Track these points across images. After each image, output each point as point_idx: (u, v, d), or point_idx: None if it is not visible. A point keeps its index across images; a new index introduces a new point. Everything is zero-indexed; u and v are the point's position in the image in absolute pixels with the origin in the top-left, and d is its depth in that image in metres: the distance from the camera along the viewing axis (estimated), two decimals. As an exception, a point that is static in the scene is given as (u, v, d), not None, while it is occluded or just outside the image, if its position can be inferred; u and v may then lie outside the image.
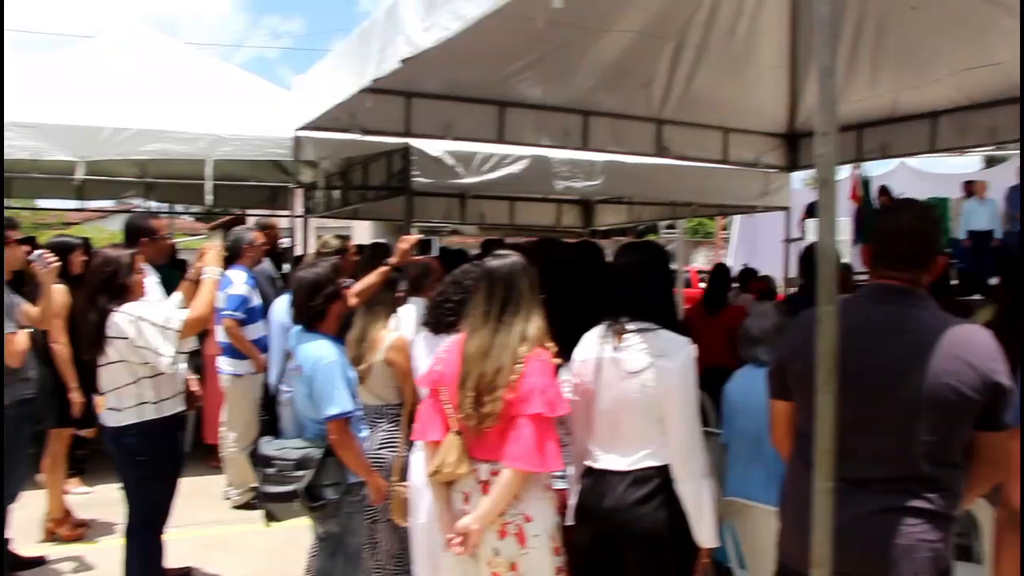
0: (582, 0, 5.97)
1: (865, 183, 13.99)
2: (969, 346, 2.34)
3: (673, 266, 12.94)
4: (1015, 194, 12.81)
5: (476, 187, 8.29)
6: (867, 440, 2.26)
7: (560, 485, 3.40)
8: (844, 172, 14.62)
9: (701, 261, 22.11)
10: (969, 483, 2.47)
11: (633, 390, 3.02)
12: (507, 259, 3.24)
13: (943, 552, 2.37)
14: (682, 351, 3.03)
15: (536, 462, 2.93)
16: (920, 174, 16.59)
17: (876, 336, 2.26)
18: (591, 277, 3.95)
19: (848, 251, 12.06)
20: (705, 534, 3.04)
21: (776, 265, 10.37)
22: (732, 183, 9.35)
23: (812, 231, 11.62)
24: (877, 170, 15.61)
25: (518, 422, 2.96)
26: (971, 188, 13.62)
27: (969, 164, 18.46)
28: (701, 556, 3.11)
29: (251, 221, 10.92)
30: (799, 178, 15.07)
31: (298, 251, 11.24)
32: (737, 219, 16.18)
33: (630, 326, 3.09)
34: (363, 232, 22.85)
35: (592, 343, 3.19)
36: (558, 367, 3.21)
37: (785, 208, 10.00)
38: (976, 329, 2.42)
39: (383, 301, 4.50)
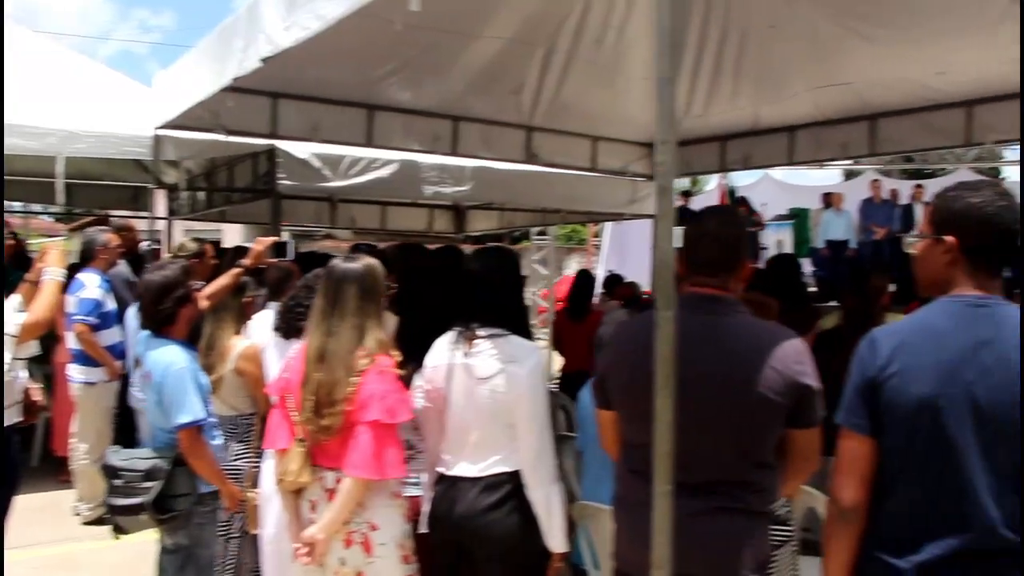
0: (450, 4, 5.97)
1: (731, 193, 14.44)
2: (775, 351, 2.41)
3: (544, 272, 13.01)
4: (868, 206, 13.46)
5: (344, 191, 8.20)
6: (686, 446, 2.30)
7: (414, 492, 3.38)
8: (712, 182, 15.04)
9: (575, 268, 22.38)
10: (785, 478, 2.58)
11: (483, 396, 3.01)
12: (351, 263, 3.17)
13: (762, 549, 2.48)
14: (531, 357, 3.03)
15: (374, 470, 2.89)
16: (783, 185, 17.23)
17: (691, 346, 2.29)
18: (454, 283, 3.93)
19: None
20: (556, 539, 3.06)
21: (645, 272, 10.56)
22: (601, 190, 9.47)
23: (678, 239, 11.93)
24: (742, 181, 16.16)
25: (357, 429, 2.91)
26: (829, 200, 14.22)
27: (829, 177, 19.28)
28: (553, 561, 3.12)
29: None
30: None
31: (165, 255, 10.86)
32: (608, 226, 16.45)
33: (481, 332, 3.08)
34: (234, 235, 22.27)
35: (443, 349, 3.17)
36: (411, 374, 3.18)
37: (652, 216, 10.16)
38: (783, 334, 2.50)
39: (230, 306, 4.36)
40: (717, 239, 2.53)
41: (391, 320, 3.61)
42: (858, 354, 2.20)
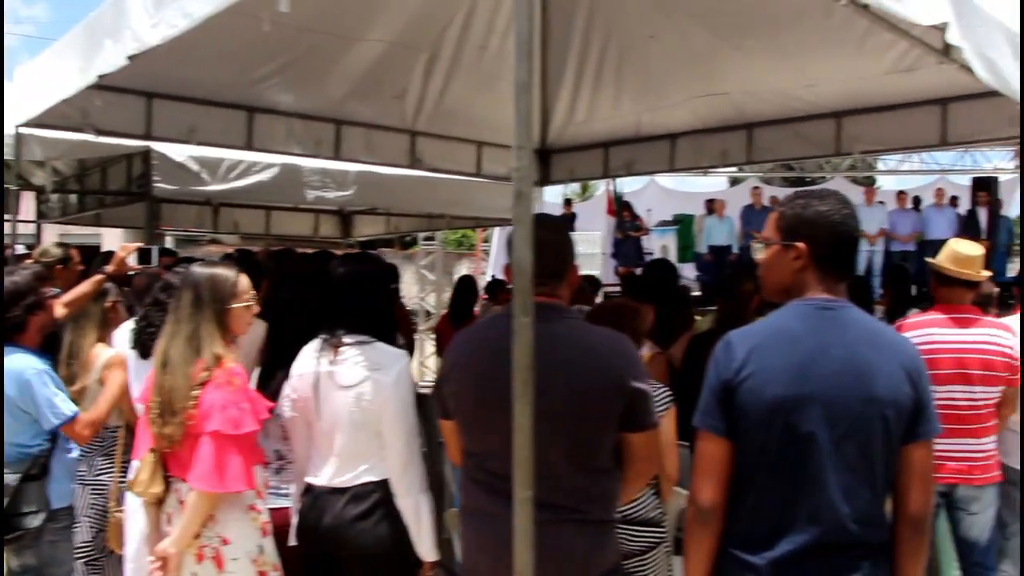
0: (330, 6, 5.90)
1: (618, 199, 14.65)
2: (605, 357, 2.45)
3: (432, 277, 12.94)
4: (749, 212, 13.85)
5: (224, 195, 8.00)
6: None
7: (283, 503, 3.30)
8: (599, 188, 15.22)
9: (464, 273, 22.36)
10: (626, 482, 2.61)
11: (349, 404, 2.96)
12: (199, 269, 3.07)
13: (609, 556, 2.50)
14: (397, 364, 3.00)
15: (215, 482, 2.80)
16: (668, 192, 17.58)
17: None
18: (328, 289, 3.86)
19: (602, 263, 12.51)
20: (425, 547, 3.03)
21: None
22: (485, 196, 9.50)
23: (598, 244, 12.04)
24: (629, 187, 16.37)
25: (199, 440, 2.83)
26: (712, 206, 14.57)
27: (716, 183, 19.72)
28: (424, 570, 3.09)
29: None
30: (554, 192, 15.61)
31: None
32: (496, 231, 16.50)
33: (346, 339, 3.03)
34: (114, 240, 21.50)
35: (309, 357, 3.10)
36: (281, 383, 3.11)
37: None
38: (613, 339, 2.53)
39: (92, 314, 4.18)
40: (544, 248, 2.51)
41: (259, 327, 3.52)
42: (714, 357, 2.24)
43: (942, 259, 4.00)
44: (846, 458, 2.08)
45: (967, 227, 13.36)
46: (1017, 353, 3.87)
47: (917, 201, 14.62)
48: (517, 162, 2.12)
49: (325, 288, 3.74)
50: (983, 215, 13.51)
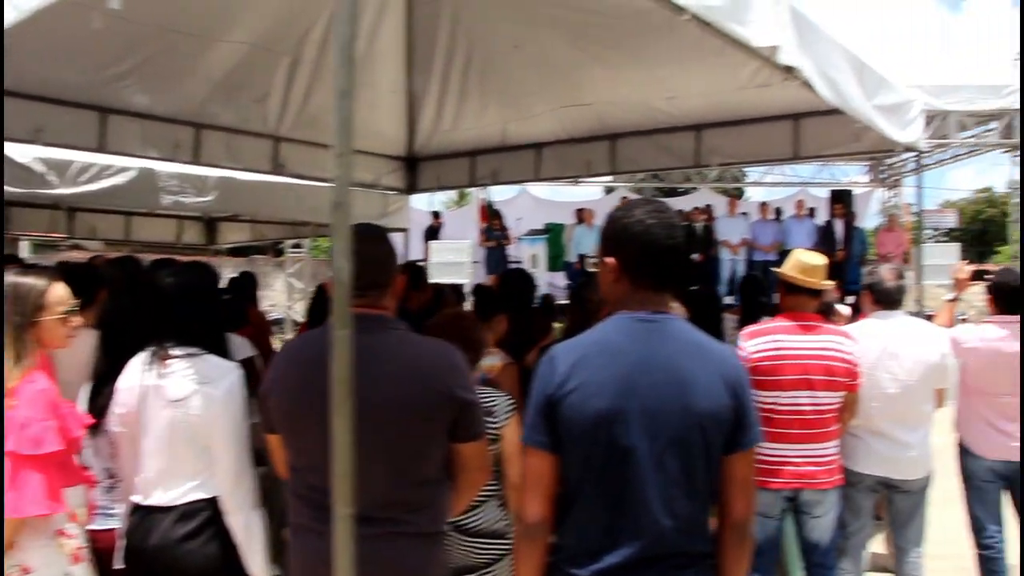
0: (187, 4, 5.71)
1: (490, 207, 14.69)
2: (432, 367, 2.42)
3: (299, 285, 12.65)
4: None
5: (75, 199, 7.64)
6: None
7: (113, 524, 3.14)
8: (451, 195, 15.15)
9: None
10: (458, 493, 2.59)
11: (177, 419, 2.83)
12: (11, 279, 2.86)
13: (438, 570, 2.48)
14: (227, 377, 2.88)
15: (8, 507, 2.59)
16: (540, 201, 17.71)
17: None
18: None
19: (470, 271, 12.46)
20: (257, 566, 2.92)
21: (402, 285, 10.55)
22: (352, 203, 9.35)
23: (435, 253, 12.00)
24: (502, 196, 16.48)
25: None
26: (581, 215, 14.73)
27: (591, 193, 19.95)
28: (256, 589, 2.98)
29: None
30: (422, 200, 15.53)
31: None
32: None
33: (175, 351, 2.90)
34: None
35: (136, 370, 2.96)
36: (109, 397, 2.96)
37: (404, 230, 10.21)
38: (440, 349, 2.50)
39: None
40: (366, 258, 2.45)
41: (88, 338, 3.34)
42: (538, 371, 2.22)
43: (788, 268, 4.11)
44: (667, 470, 2.09)
45: (824, 238, 13.91)
46: (856, 359, 4.00)
47: (779, 212, 15.14)
48: (337, 170, 2.08)
49: (156, 298, 3.58)
50: (839, 226, 14.07)
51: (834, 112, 5.36)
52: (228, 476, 2.85)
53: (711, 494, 2.19)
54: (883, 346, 4.19)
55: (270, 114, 7.61)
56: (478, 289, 5.35)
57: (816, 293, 4.09)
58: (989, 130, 13.91)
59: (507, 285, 5.23)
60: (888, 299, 4.29)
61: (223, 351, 2.99)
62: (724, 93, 6.60)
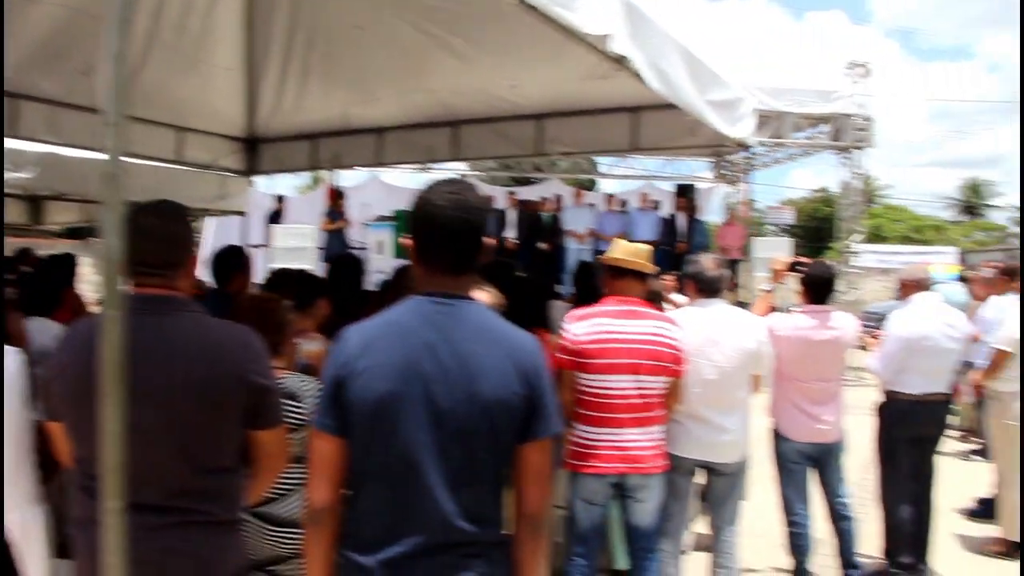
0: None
1: (339, 192, 14.39)
2: (228, 351, 2.32)
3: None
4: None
5: None
6: (137, 458, 2.14)
7: None
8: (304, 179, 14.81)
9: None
10: (255, 480, 2.52)
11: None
12: None
13: (234, 559, 2.39)
14: (6, 365, 2.70)
15: None
16: (390, 187, 17.50)
17: (137, 351, 2.07)
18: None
19: (313, 256, 12.15)
20: (34, 566, 2.75)
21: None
22: (187, 184, 8.99)
23: (278, 237, 11.70)
24: (353, 181, 16.23)
25: None
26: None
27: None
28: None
29: None
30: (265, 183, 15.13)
31: None
32: (212, 222, 15.80)
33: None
34: None
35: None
36: None
37: (242, 213, 9.92)
38: (238, 333, 2.41)
39: None
40: (158, 236, 2.34)
41: None
42: (330, 353, 2.18)
43: (613, 253, 4.18)
44: (452, 458, 2.05)
45: (667, 230, 14.27)
46: (681, 345, 4.09)
47: (624, 204, 15.45)
48: (109, 140, 1.95)
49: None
50: (682, 219, 14.46)
51: (671, 106, 5.49)
52: (3, 470, 2.66)
53: (502, 483, 2.15)
54: (703, 333, 4.30)
55: (97, 87, 7.21)
56: (297, 275, 5.21)
57: (642, 277, 4.15)
58: (821, 132, 14.63)
59: (335, 270, 5.12)
60: (709, 287, 4.42)
61: (2, 337, 2.78)
62: (565, 83, 6.67)
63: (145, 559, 2.12)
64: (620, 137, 7.40)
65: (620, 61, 4.48)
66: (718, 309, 4.40)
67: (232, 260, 5.01)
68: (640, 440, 4.00)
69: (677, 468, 4.45)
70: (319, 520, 2.12)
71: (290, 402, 3.04)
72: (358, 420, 2.07)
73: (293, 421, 2.93)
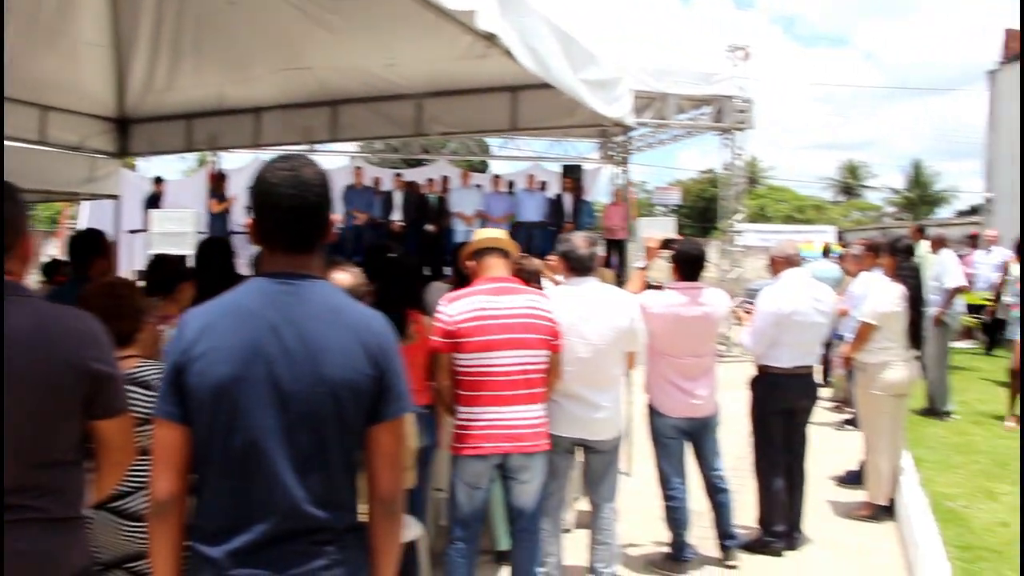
0: None
1: (221, 175, 14.02)
2: (64, 338, 2.20)
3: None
4: (350, 192, 13.94)
5: None
6: None
7: None
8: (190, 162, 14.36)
9: (50, 253, 20.23)
10: (101, 474, 2.41)
11: None
12: None
13: (75, 559, 2.25)
14: None
15: None
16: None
17: None
18: None
19: (192, 242, 11.82)
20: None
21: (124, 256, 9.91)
22: (53, 167, 8.64)
23: (156, 222, 11.31)
24: (235, 164, 15.81)
25: None
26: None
27: (331, 162, 19.58)
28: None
29: None
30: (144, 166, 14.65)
31: None
32: (87, 206, 15.22)
33: None
34: None
35: None
36: None
37: (115, 196, 9.56)
38: (76, 318, 2.29)
39: None
40: None
41: None
42: (171, 338, 2.09)
43: (473, 240, 4.20)
44: (298, 442, 1.99)
45: (554, 210, 14.38)
46: (556, 319, 4.08)
47: (511, 185, 15.48)
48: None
49: None
50: (568, 200, 14.58)
51: (550, 87, 5.48)
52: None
53: (355, 467, 2.10)
54: (576, 311, 4.32)
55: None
56: (157, 259, 5.04)
57: (505, 254, 4.14)
58: (703, 114, 14.93)
59: (202, 253, 4.97)
60: (580, 266, 4.43)
61: None
62: (443, 62, 6.62)
63: None
64: (500, 117, 7.40)
65: (490, 39, 4.45)
66: (590, 287, 4.41)
67: (90, 244, 4.81)
68: (522, 418, 3.97)
69: (555, 447, 4.46)
70: (163, 512, 2.03)
71: (143, 391, 2.91)
72: (198, 406, 1.99)
73: (144, 411, 2.80)
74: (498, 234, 4.18)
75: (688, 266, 5.06)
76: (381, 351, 2.06)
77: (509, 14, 4.47)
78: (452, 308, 3.98)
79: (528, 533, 4.21)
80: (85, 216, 15.32)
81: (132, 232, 10.08)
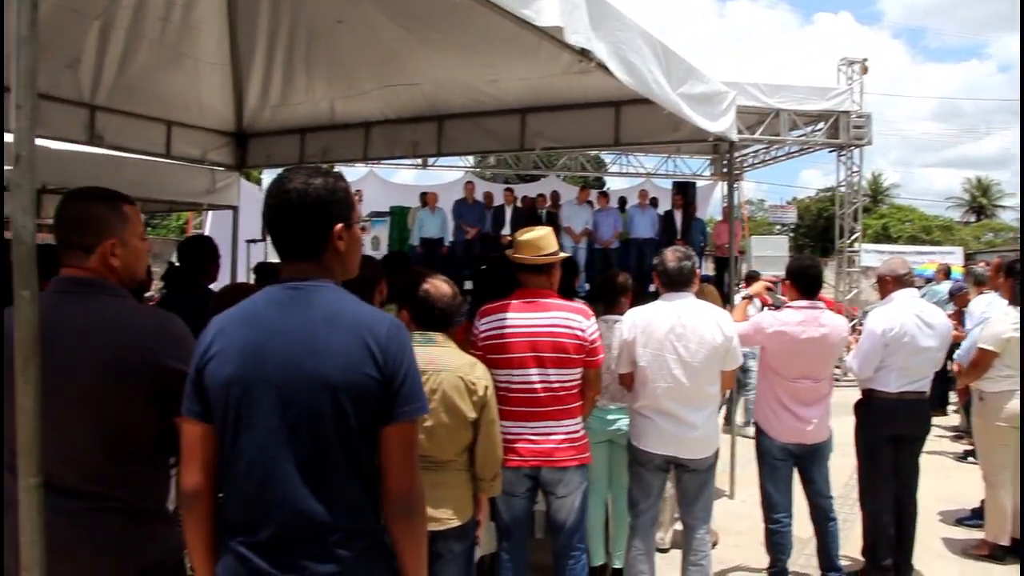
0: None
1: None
2: (143, 336, 2.31)
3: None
4: (460, 206, 14.07)
5: None
6: (51, 442, 2.11)
7: None
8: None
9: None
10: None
11: None
12: None
13: (150, 550, 2.34)
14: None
15: None
16: (387, 183, 17.54)
17: (53, 333, 2.13)
18: None
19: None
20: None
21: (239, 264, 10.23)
22: (176, 178, 9.03)
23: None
24: (350, 176, 16.22)
25: None
26: (425, 199, 14.60)
27: (440, 176, 19.90)
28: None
29: None
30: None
31: None
32: (209, 216, 15.80)
33: None
34: None
35: None
36: None
37: (233, 207, 9.91)
38: (157, 317, 2.41)
39: None
40: (77, 218, 2.33)
41: None
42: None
43: (514, 250, 4.13)
44: (303, 442, 2.03)
45: (665, 227, 14.23)
46: (592, 335, 4.00)
47: (623, 201, 15.39)
48: (18, 123, 1.94)
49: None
50: (679, 217, 14.42)
51: (653, 102, 5.43)
52: None
53: (368, 468, 2.11)
54: (669, 327, 4.26)
55: (83, 80, 7.22)
56: (260, 266, 5.19)
57: (541, 268, 4.07)
58: (818, 130, 14.60)
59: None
60: (671, 280, 4.37)
61: None
62: (546, 78, 6.63)
63: (60, 543, 2.13)
64: (604, 132, 7.35)
65: (584, 55, 4.44)
66: (684, 303, 4.34)
67: (199, 250, 4.99)
68: (551, 433, 3.96)
69: (645, 463, 4.41)
70: (190, 504, 2.12)
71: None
72: (213, 405, 2.08)
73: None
74: (530, 239, 4.10)
75: (806, 283, 4.89)
76: (388, 352, 2.07)
77: (602, 28, 4.45)
78: (481, 323, 4.01)
79: (567, 550, 4.15)
80: (208, 225, 15.94)
81: (250, 242, 10.40)
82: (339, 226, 2.14)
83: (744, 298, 5.50)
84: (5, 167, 6.45)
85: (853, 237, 15.93)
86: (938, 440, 8.89)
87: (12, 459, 2.16)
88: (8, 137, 6.40)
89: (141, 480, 2.33)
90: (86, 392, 2.22)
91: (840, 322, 4.93)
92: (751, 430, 8.26)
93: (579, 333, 3.97)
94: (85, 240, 2.34)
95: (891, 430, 5.11)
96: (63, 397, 2.18)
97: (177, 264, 5.15)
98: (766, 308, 5.53)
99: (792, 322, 4.77)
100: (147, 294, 7.34)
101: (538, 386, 3.92)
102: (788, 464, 4.95)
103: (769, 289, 5.15)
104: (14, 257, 1.95)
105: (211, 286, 4.89)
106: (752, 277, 9.63)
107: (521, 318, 3.95)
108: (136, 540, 2.30)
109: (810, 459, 4.94)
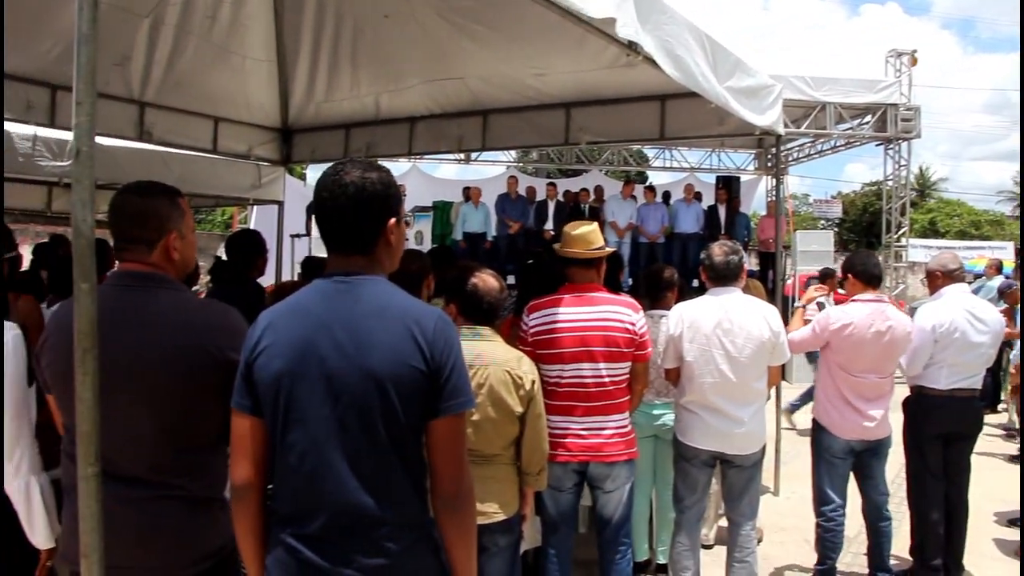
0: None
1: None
2: (206, 329, 2.35)
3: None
4: (503, 201, 14.08)
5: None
6: (113, 430, 2.17)
7: None
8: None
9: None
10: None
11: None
12: None
13: (210, 538, 2.38)
14: (6, 338, 2.75)
15: None
16: (429, 178, 17.59)
17: (114, 324, 2.17)
18: None
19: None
20: (39, 535, 2.79)
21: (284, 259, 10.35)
22: (223, 173, 9.16)
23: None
24: (396, 171, 16.31)
25: None
26: (468, 193, 14.62)
27: (482, 171, 19.95)
28: (41, 559, 2.85)
29: None
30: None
31: None
32: (254, 211, 15.99)
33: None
34: None
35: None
36: None
37: (279, 202, 10.02)
38: (216, 310, 2.45)
39: None
40: (135, 213, 2.36)
41: None
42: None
43: (560, 244, 4.11)
44: (352, 435, 2.03)
45: (709, 221, 14.13)
46: (641, 329, 4.00)
47: (667, 196, 15.31)
48: (78, 117, 1.98)
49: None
50: (722, 211, 14.31)
51: (699, 95, 5.40)
52: (4, 440, 2.71)
53: (418, 461, 2.12)
54: (716, 322, 4.24)
55: (132, 78, 7.34)
56: (308, 261, 5.23)
57: (589, 263, 4.06)
58: (865, 123, 14.40)
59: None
60: (717, 275, 4.33)
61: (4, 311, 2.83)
62: (591, 72, 6.61)
63: (123, 530, 2.18)
64: (649, 126, 7.32)
65: (631, 47, 4.42)
66: (730, 298, 4.31)
67: (248, 244, 5.04)
68: (600, 428, 3.95)
69: (691, 459, 4.39)
70: (241, 496, 2.14)
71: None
72: (263, 398, 2.09)
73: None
74: (576, 233, 4.08)
75: (871, 276, 4.83)
76: (435, 346, 2.07)
77: (650, 22, 4.43)
78: (530, 318, 4.01)
79: (613, 545, 4.14)
80: (253, 220, 16.12)
81: (295, 236, 10.51)
82: (392, 221, 2.14)
83: (800, 308, 5.42)
84: (65, 162, 6.64)
85: (900, 232, 15.71)
86: (990, 439, 8.74)
87: (72, 448, 2.22)
88: (36, 131, 6.53)
89: (204, 469, 2.37)
90: (153, 384, 2.25)
91: (904, 318, 4.84)
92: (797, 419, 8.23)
93: (629, 327, 3.96)
94: (148, 234, 2.38)
95: (941, 427, 5.02)
96: (130, 389, 2.22)
97: (225, 258, 5.20)
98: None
99: (859, 315, 4.69)
100: (194, 288, 7.45)
101: (589, 380, 3.91)
102: (847, 463, 4.87)
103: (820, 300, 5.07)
104: (74, 250, 1.99)
105: (258, 280, 4.95)
106: (827, 275, 9.49)
107: (571, 313, 3.95)
108: (199, 527, 2.34)
109: (869, 457, 4.86)
